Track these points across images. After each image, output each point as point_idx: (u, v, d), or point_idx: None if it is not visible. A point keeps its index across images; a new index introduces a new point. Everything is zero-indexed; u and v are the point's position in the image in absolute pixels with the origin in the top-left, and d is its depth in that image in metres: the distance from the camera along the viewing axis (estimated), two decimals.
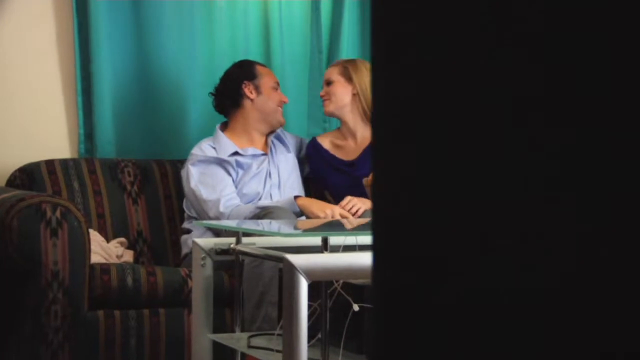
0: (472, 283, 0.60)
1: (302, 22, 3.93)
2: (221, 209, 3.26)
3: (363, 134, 3.58)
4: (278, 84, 3.58)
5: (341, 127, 3.65)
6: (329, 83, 3.56)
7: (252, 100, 3.50)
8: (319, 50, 3.91)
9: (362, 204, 3.25)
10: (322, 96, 3.59)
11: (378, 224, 0.67)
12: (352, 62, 3.61)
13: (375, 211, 0.68)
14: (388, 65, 0.67)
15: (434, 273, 0.63)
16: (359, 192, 3.35)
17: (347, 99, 3.54)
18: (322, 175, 3.64)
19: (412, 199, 0.64)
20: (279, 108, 3.55)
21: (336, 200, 3.53)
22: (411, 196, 0.64)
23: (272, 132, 3.58)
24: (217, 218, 3.26)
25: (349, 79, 3.54)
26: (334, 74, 3.57)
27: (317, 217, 3.23)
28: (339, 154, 3.61)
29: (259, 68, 3.56)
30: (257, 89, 3.51)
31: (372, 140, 0.69)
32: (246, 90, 3.50)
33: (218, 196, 3.29)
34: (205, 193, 3.31)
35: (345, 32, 3.94)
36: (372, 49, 0.69)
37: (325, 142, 3.65)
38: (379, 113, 0.68)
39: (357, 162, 3.54)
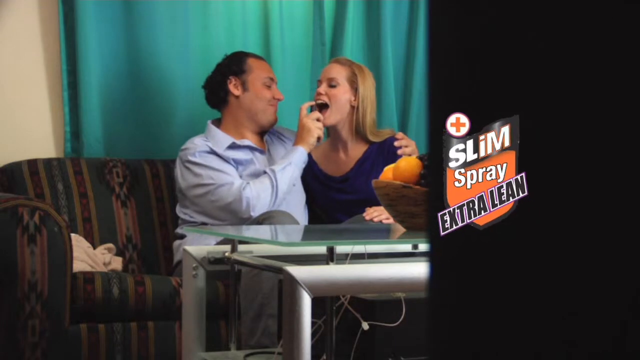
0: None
1: (304, 11, 3.76)
2: (247, 193, 3.05)
3: (354, 147, 3.32)
4: (273, 79, 3.33)
5: (331, 138, 3.37)
6: (332, 84, 3.25)
7: (237, 97, 3.29)
8: (322, 42, 3.72)
9: (383, 213, 2.98)
10: (319, 94, 3.25)
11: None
12: (360, 68, 3.28)
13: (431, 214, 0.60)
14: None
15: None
16: (350, 210, 3.13)
17: (347, 109, 3.25)
18: (309, 189, 3.36)
19: None
20: (270, 106, 3.30)
21: (326, 216, 3.34)
22: None
23: (264, 131, 3.34)
24: (238, 202, 3.03)
25: (355, 88, 3.25)
26: (341, 75, 3.24)
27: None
28: (329, 169, 3.34)
29: (250, 61, 3.32)
30: (244, 85, 3.29)
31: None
32: (231, 86, 3.30)
33: (232, 180, 3.09)
34: (216, 178, 3.10)
35: (349, 22, 3.74)
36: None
37: (315, 154, 3.38)
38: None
39: (350, 176, 3.28)
